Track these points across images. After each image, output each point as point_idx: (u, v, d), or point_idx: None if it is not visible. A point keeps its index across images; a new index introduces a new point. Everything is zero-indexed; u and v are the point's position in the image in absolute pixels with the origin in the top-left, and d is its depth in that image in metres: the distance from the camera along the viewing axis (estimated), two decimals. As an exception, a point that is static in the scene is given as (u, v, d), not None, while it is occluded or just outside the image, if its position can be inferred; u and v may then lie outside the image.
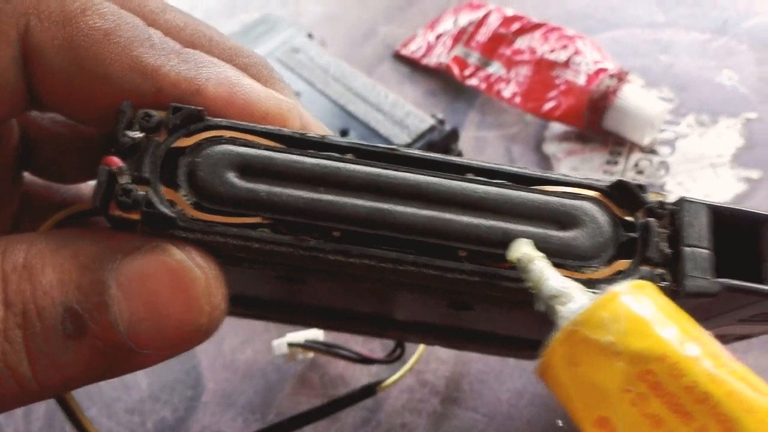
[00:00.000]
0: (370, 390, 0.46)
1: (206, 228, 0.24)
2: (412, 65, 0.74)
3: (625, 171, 0.59)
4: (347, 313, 0.38)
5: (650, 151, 0.60)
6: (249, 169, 0.25)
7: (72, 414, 0.27)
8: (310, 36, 0.70)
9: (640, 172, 0.59)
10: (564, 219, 0.25)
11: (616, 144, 0.61)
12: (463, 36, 0.71)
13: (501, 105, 0.67)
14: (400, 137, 0.57)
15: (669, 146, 0.60)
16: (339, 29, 0.80)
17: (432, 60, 0.72)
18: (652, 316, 0.19)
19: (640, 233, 0.25)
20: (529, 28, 0.67)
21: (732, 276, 0.25)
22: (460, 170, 0.26)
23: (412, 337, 0.44)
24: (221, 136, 0.25)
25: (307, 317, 0.41)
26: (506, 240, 0.24)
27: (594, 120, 0.61)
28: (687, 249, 0.25)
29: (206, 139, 0.25)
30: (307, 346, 0.49)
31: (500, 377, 0.49)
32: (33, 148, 0.32)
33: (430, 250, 0.25)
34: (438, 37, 0.73)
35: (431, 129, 0.57)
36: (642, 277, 0.24)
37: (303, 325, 0.49)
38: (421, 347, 0.47)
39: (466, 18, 0.72)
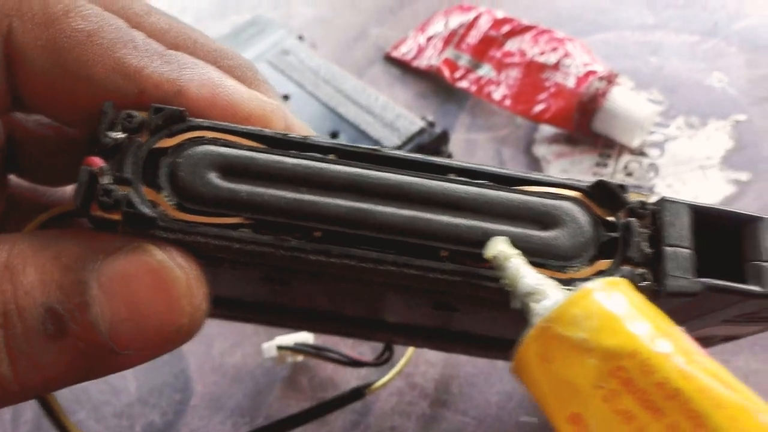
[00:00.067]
0: (358, 393, 0.46)
1: (187, 228, 0.24)
2: (403, 67, 0.74)
3: (615, 173, 0.60)
4: (335, 316, 0.38)
5: (640, 153, 0.60)
6: (230, 169, 0.25)
7: (55, 416, 0.27)
8: (300, 38, 0.70)
9: (629, 174, 0.59)
10: (545, 219, 0.25)
11: (606, 146, 0.61)
12: (453, 38, 0.71)
13: (491, 107, 0.67)
14: (390, 139, 0.57)
15: (658, 148, 0.60)
16: (330, 31, 0.80)
17: (423, 62, 0.72)
18: (624, 312, 0.19)
19: (621, 233, 0.25)
20: (519, 30, 0.68)
21: (715, 276, 0.25)
22: (442, 170, 0.26)
23: (400, 340, 0.44)
24: (203, 137, 0.26)
25: (296, 320, 0.41)
26: (486, 240, 0.24)
27: (583, 122, 0.61)
28: (668, 249, 0.25)
29: (188, 139, 0.25)
30: (297, 349, 0.49)
31: (489, 380, 0.49)
32: (18, 150, 0.32)
33: (410, 250, 0.25)
34: (429, 39, 0.73)
35: (421, 131, 0.57)
36: (623, 277, 0.24)
37: (292, 328, 0.49)
38: (410, 350, 0.47)
39: (456, 20, 0.72)
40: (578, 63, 0.62)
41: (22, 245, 0.24)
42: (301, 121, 0.30)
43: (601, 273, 0.25)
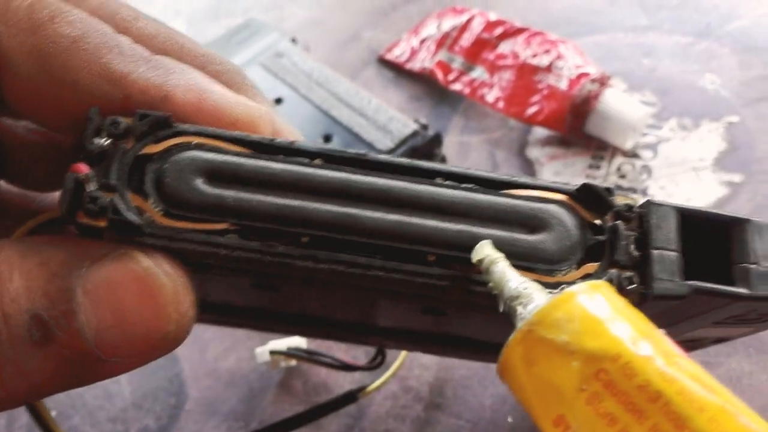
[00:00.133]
0: (351, 396, 0.46)
1: (173, 235, 0.24)
2: (396, 70, 0.74)
3: (608, 175, 0.60)
4: (327, 321, 0.38)
5: (633, 155, 0.60)
6: (217, 175, 0.25)
7: (44, 423, 0.27)
8: (293, 41, 0.70)
9: (622, 177, 0.59)
10: (531, 222, 0.25)
11: (599, 148, 0.61)
12: (446, 41, 0.71)
13: (484, 110, 0.67)
14: (383, 142, 0.57)
15: (651, 150, 0.61)
16: (323, 34, 0.80)
17: (416, 65, 0.72)
18: (606, 315, 0.19)
19: (608, 236, 0.25)
20: (512, 32, 0.68)
21: (703, 278, 0.25)
22: (429, 175, 0.26)
23: (392, 344, 0.44)
24: (189, 142, 0.25)
25: (288, 325, 0.41)
26: (474, 243, 0.24)
27: (576, 124, 0.61)
28: (655, 252, 0.25)
29: (174, 145, 0.25)
30: (289, 353, 0.49)
31: (483, 383, 0.49)
32: (7, 155, 0.32)
33: (398, 255, 0.25)
34: (422, 41, 0.73)
35: (414, 134, 0.57)
36: (609, 280, 0.24)
37: (284, 333, 0.49)
38: (403, 353, 0.47)
39: (449, 23, 0.72)
40: (571, 65, 0.62)
41: (9, 251, 0.24)
42: (292, 124, 0.30)
43: (588, 276, 0.25)
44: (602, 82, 0.61)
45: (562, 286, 0.21)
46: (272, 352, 0.49)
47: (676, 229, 0.25)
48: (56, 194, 0.34)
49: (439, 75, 0.70)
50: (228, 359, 0.53)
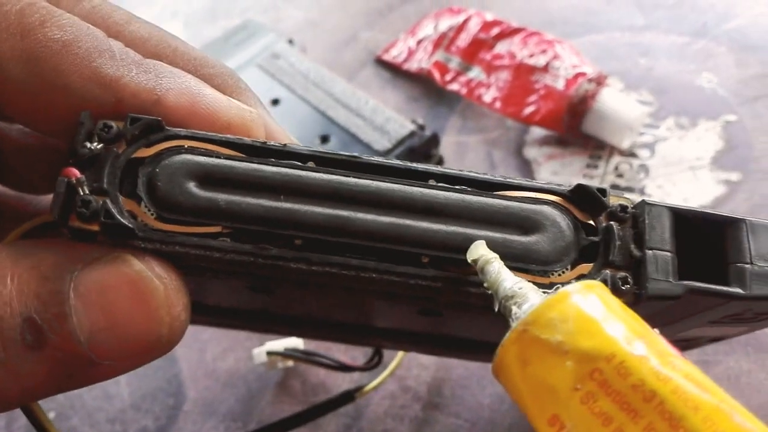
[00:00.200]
0: (349, 396, 0.46)
1: (166, 238, 0.24)
2: (394, 70, 0.74)
3: (605, 175, 0.60)
4: (323, 322, 0.38)
5: (630, 154, 0.60)
6: (209, 178, 0.25)
7: (40, 425, 0.27)
8: (290, 42, 0.70)
9: (620, 176, 0.59)
10: (525, 224, 0.25)
11: (596, 148, 0.61)
12: (443, 41, 0.71)
13: (482, 110, 0.67)
14: (380, 143, 0.57)
15: (648, 149, 0.61)
16: (320, 35, 0.80)
17: (413, 65, 0.72)
18: (600, 315, 0.19)
19: (601, 237, 0.25)
20: (508, 32, 0.68)
21: (698, 278, 0.25)
22: (422, 176, 0.26)
23: (389, 344, 0.44)
24: (181, 146, 0.25)
25: (284, 326, 0.41)
26: (467, 245, 0.24)
27: (573, 124, 0.61)
28: (649, 252, 0.25)
29: (166, 149, 0.25)
30: (287, 354, 0.49)
31: (482, 382, 0.49)
32: (2, 158, 0.32)
33: (392, 257, 0.25)
34: (419, 42, 0.73)
35: (411, 134, 0.58)
36: (603, 281, 0.24)
37: (281, 334, 0.49)
38: (401, 354, 0.47)
39: (446, 23, 0.72)
40: (567, 65, 0.62)
41: (1, 255, 0.24)
42: (289, 125, 0.30)
43: (582, 277, 0.25)
44: (599, 81, 0.61)
45: (557, 286, 0.21)
46: (269, 353, 0.49)
47: (670, 229, 0.25)
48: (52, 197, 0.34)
49: (436, 75, 0.70)
50: (226, 360, 0.53)
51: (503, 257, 0.24)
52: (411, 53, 0.73)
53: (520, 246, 0.25)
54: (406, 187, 0.26)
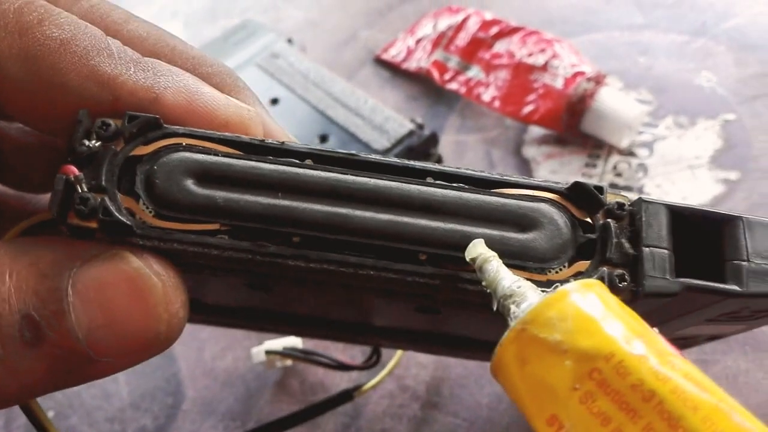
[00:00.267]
0: (347, 395, 0.46)
1: (164, 235, 0.24)
2: (393, 70, 0.74)
3: (604, 174, 0.60)
4: (321, 321, 0.38)
5: (629, 153, 0.60)
6: (207, 175, 0.25)
7: (39, 423, 0.27)
8: (290, 41, 0.70)
9: (618, 175, 0.59)
10: (522, 221, 0.25)
11: (595, 147, 0.61)
12: (442, 40, 0.71)
13: (481, 109, 0.67)
14: (379, 142, 0.57)
15: (647, 148, 0.61)
16: (319, 34, 0.80)
17: (412, 64, 0.72)
18: (599, 314, 0.19)
19: (599, 234, 0.26)
20: (507, 32, 0.68)
21: (695, 276, 0.25)
22: (419, 174, 0.26)
23: (388, 343, 0.44)
24: (179, 144, 0.26)
25: (283, 325, 0.41)
26: (465, 242, 0.24)
27: (572, 123, 0.61)
28: (646, 249, 0.25)
29: (164, 146, 0.25)
30: (285, 353, 0.49)
31: (480, 381, 0.49)
32: (2, 158, 0.32)
33: (390, 254, 0.25)
34: (418, 41, 0.73)
35: (410, 134, 0.58)
36: (601, 278, 0.25)
37: (280, 333, 0.49)
38: (399, 352, 0.47)
39: (445, 22, 0.72)
40: (566, 64, 0.62)
41: (0, 252, 0.24)
42: (289, 124, 0.30)
43: (579, 274, 0.25)
44: (598, 80, 0.61)
45: (555, 284, 0.21)
46: (268, 352, 0.49)
47: (667, 227, 0.26)
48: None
49: (435, 74, 0.70)
50: (225, 359, 0.53)
51: (501, 255, 0.24)
52: (410, 52, 0.73)
53: (517, 243, 0.25)
54: (404, 184, 0.26)
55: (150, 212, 0.25)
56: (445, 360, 0.50)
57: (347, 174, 0.26)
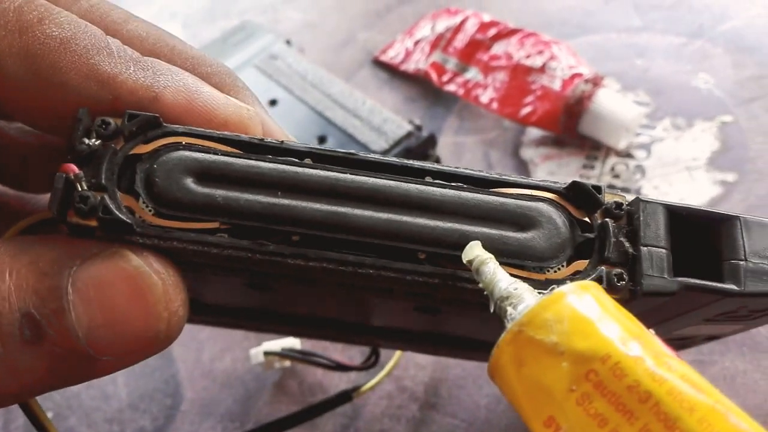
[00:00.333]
0: (346, 396, 0.46)
1: (164, 234, 0.24)
2: (391, 71, 0.74)
3: (602, 175, 0.60)
4: (320, 321, 0.38)
5: (626, 155, 0.61)
6: (206, 174, 0.25)
7: (38, 423, 0.27)
8: (288, 43, 0.70)
9: (616, 176, 0.59)
10: (521, 220, 0.26)
11: (593, 148, 0.62)
12: (440, 42, 0.71)
13: (479, 110, 0.67)
14: (377, 143, 0.57)
15: (645, 150, 0.61)
16: (318, 36, 0.80)
17: (410, 66, 0.72)
18: (595, 316, 0.19)
19: (597, 233, 0.26)
20: (505, 33, 0.68)
21: (693, 275, 0.25)
22: (418, 173, 0.26)
23: (386, 343, 0.44)
24: (179, 143, 0.26)
25: (282, 325, 0.41)
26: (464, 242, 0.24)
27: (570, 125, 0.61)
28: (644, 248, 0.25)
29: (164, 145, 0.25)
30: (283, 354, 0.49)
31: (478, 382, 0.49)
32: (2, 157, 0.32)
33: (388, 253, 0.25)
34: (416, 43, 0.73)
35: (408, 135, 0.58)
36: (599, 277, 0.25)
37: (279, 334, 0.49)
38: (398, 353, 0.47)
39: (443, 24, 0.73)
40: (564, 66, 0.62)
41: (0, 250, 0.24)
42: (287, 126, 0.30)
43: (578, 273, 0.25)
44: (595, 82, 0.61)
45: (552, 285, 0.21)
46: (266, 353, 0.49)
47: (664, 226, 0.26)
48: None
49: (434, 76, 0.70)
50: (223, 360, 0.53)
51: (499, 254, 0.24)
52: (408, 54, 0.73)
53: (516, 242, 0.25)
54: (403, 183, 0.26)
55: (150, 211, 0.25)
56: (444, 361, 0.50)
57: (346, 173, 0.26)
